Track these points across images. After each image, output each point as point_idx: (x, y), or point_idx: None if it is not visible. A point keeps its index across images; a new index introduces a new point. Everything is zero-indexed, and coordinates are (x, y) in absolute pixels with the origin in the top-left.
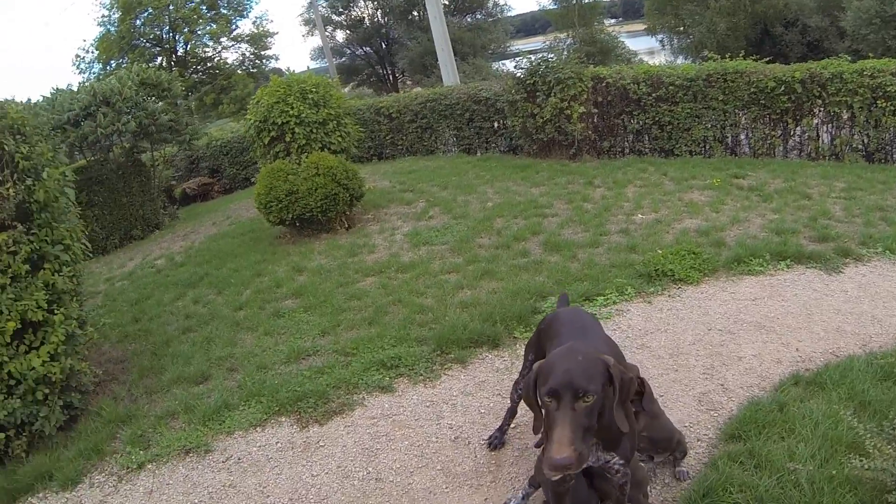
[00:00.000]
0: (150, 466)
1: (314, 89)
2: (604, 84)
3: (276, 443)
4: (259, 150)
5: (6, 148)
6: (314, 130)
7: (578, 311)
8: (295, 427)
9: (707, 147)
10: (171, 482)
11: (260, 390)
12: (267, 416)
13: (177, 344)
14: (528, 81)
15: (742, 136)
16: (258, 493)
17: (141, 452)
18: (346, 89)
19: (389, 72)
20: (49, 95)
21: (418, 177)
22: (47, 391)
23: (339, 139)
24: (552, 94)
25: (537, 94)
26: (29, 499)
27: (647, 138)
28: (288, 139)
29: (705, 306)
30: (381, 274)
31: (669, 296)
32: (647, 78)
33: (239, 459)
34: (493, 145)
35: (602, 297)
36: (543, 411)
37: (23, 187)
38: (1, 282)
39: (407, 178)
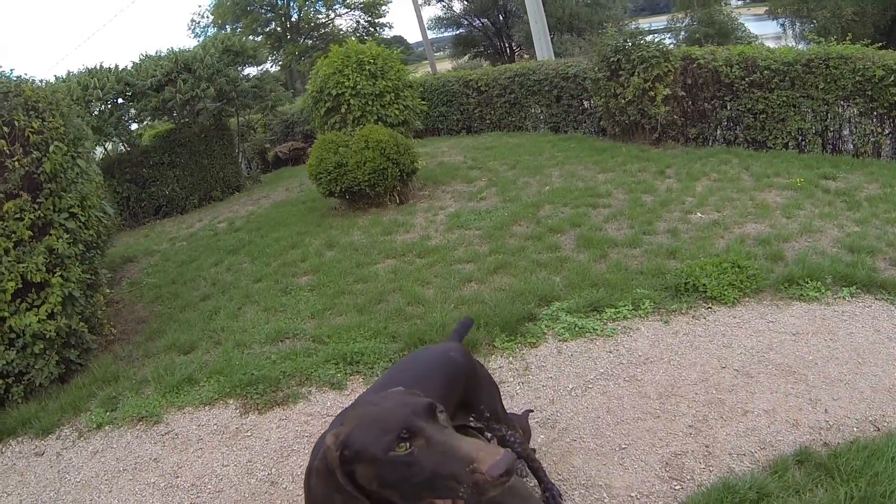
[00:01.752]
0: (106, 428)
1: (372, 60)
2: (694, 65)
3: (214, 425)
4: (316, 120)
5: (17, 123)
6: (370, 102)
7: (436, 354)
8: (237, 411)
9: (804, 141)
10: (114, 446)
11: (222, 369)
12: (218, 396)
13: (190, 310)
14: (611, 59)
15: (846, 132)
16: (171, 472)
17: (105, 414)
18: (462, 60)
19: (506, 45)
20: (137, 61)
21: (493, 154)
22: (44, 346)
23: (397, 112)
24: (635, 74)
25: (621, 72)
26: (10, 441)
27: (738, 127)
28: (343, 110)
29: (730, 336)
30: (401, 257)
31: (693, 316)
32: (741, 60)
33: (176, 435)
34: (583, 125)
35: (612, 310)
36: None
37: (29, 160)
38: (5, 245)
39: (481, 155)
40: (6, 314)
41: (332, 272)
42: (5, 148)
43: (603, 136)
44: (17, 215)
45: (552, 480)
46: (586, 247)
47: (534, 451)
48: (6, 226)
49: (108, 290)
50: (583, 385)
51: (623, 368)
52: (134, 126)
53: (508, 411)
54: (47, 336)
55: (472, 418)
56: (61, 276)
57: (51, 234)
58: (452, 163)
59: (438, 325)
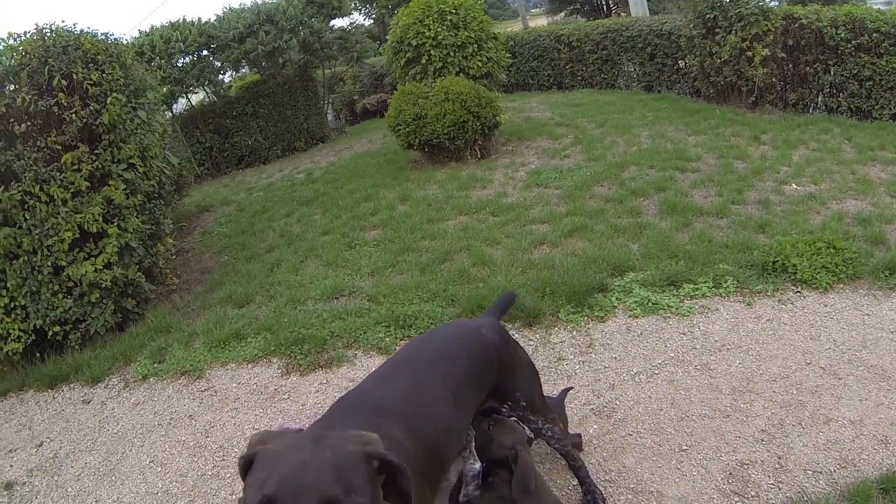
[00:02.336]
0: (151, 380)
1: (454, 10)
2: (796, 25)
3: (254, 384)
4: (397, 71)
5: (75, 76)
6: (451, 53)
7: (465, 331)
8: (279, 371)
9: None
10: (154, 399)
11: (271, 325)
12: (263, 353)
13: (255, 262)
14: (707, 15)
15: None
16: (202, 431)
17: (153, 366)
18: (558, 17)
19: (603, 1)
20: (220, 14)
21: (582, 111)
22: (100, 295)
23: (480, 64)
24: (732, 32)
25: (717, 30)
26: (63, 386)
27: (842, 94)
28: (424, 61)
29: (819, 327)
30: (474, 214)
31: (779, 301)
32: (848, 21)
33: (215, 392)
34: (677, 85)
35: (690, 286)
36: None
37: (87, 111)
38: (62, 196)
39: (569, 112)
40: (64, 263)
41: (400, 227)
42: (63, 100)
43: (697, 97)
44: (75, 166)
45: (595, 482)
46: (669, 213)
47: (579, 439)
48: (64, 177)
49: (171, 241)
50: (649, 370)
51: (696, 354)
52: (225, 78)
53: (549, 394)
54: (103, 285)
55: (506, 406)
56: (118, 226)
57: (109, 185)
58: (539, 119)
59: (501, 290)
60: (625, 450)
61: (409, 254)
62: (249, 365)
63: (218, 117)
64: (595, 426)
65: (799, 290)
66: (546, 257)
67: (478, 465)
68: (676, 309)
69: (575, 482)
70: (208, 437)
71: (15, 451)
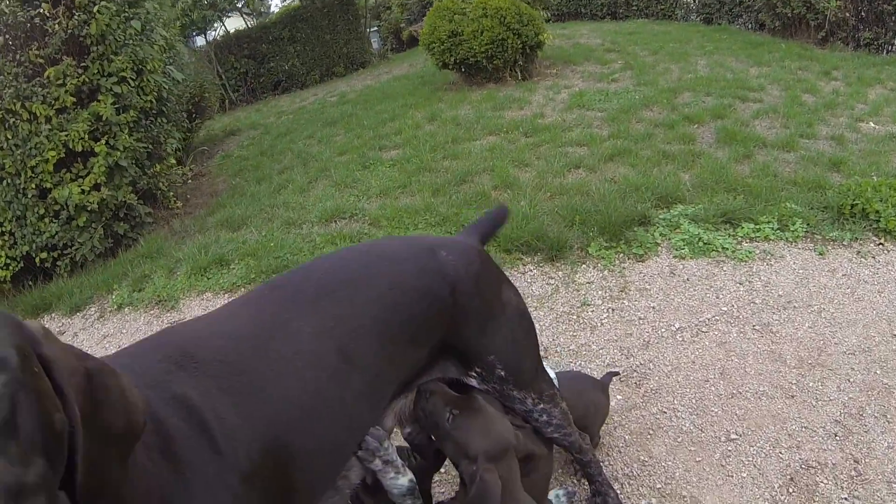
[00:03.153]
0: (126, 310)
1: None
2: None
3: None
4: None
5: None
6: None
7: (408, 249)
8: None
9: None
10: (124, 331)
11: (256, 251)
12: (242, 282)
13: (265, 183)
14: None
15: None
16: None
17: (131, 294)
18: None
19: None
20: None
21: (635, 39)
22: (88, 219)
23: None
24: None
25: None
26: (44, 315)
27: None
28: None
29: None
30: (505, 134)
31: (858, 253)
32: None
33: None
34: (739, 18)
35: (750, 226)
36: None
37: (73, 22)
38: (46, 113)
39: (621, 39)
40: (49, 185)
41: (421, 147)
42: (47, 11)
43: (760, 30)
44: (59, 81)
45: (610, 477)
46: (727, 142)
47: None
48: (48, 92)
49: (173, 161)
50: (694, 326)
51: (754, 311)
52: (269, 2)
53: (568, 366)
54: (90, 208)
55: (473, 374)
56: (107, 144)
57: (98, 101)
58: (588, 45)
59: (523, 216)
60: (654, 433)
61: (424, 174)
62: (226, 294)
63: (253, 42)
64: (619, 396)
65: (882, 241)
66: (580, 182)
67: (404, 480)
68: (733, 252)
69: (582, 477)
70: None
71: None
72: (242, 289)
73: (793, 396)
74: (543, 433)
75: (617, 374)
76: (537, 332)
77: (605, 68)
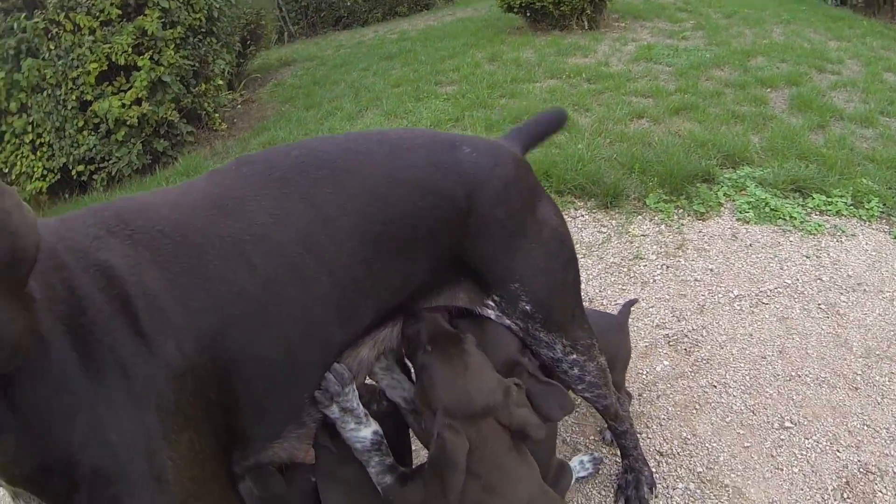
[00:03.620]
0: None
1: None
2: None
3: None
4: None
5: None
6: None
7: (423, 140)
8: None
9: None
10: None
11: None
12: None
13: (313, 110)
14: None
15: None
16: None
17: None
18: None
19: None
20: None
21: (708, 1)
22: (127, 134)
23: None
24: None
25: None
26: None
27: None
28: None
29: None
30: (567, 79)
31: None
32: None
33: None
34: None
35: (821, 197)
36: None
37: None
38: (90, 25)
39: (698, 1)
40: (90, 97)
41: (479, 84)
42: None
43: (842, 4)
44: None
45: (645, 453)
46: (801, 109)
47: (628, 396)
48: (93, 4)
49: (220, 83)
50: (754, 296)
51: (820, 288)
52: None
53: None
54: (130, 123)
55: (490, 303)
56: (151, 59)
57: (144, 15)
58: (659, 2)
59: (579, 159)
60: (700, 408)
61: (478, 110)
62: None
63: None
64: (665, 362)
65: None
66: (643, 131)
67: (366, 432)
68: (801, 222)
69: (612, 450)
70: None
71: None
72: None
73: (857, 389)
74: (573, 389)
75: (636, 301)
76: (583, 280)
77: (675, 26)
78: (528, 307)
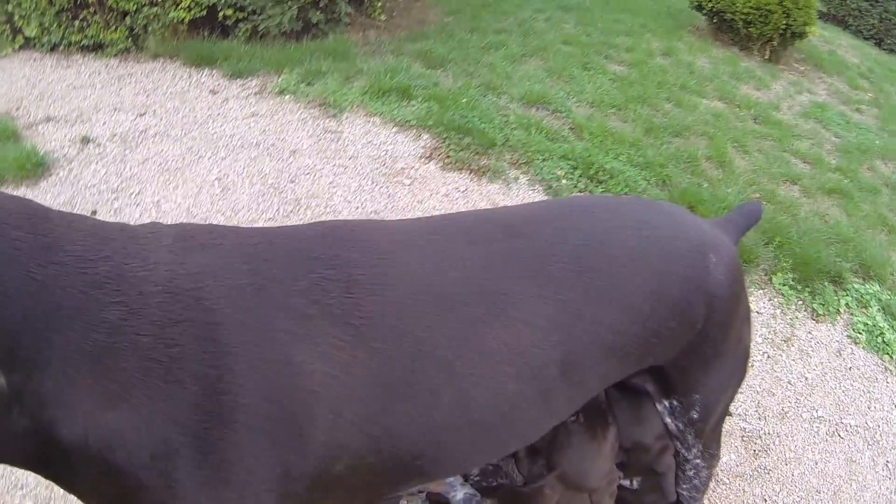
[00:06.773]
0: (287, 97)
1: None
2: None
3: (384, 150)
4: None
5: None
6: None
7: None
8: (421, 150)
9: None
10: (274, 117)
11: (444, 98)
12: (419, 123)
13: (476, 34)
14: None
15: None
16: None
17: (297, 85)
18: None
19: None
20: None
21: (895, 78)
22: None
23: None
24: None
25: None
26: (206, 68)
27: None
28: None
29: None
30: (735, 108)
31: None
32: None
33: (337, 138)
34: None
35: None
36: None
37: None
38: None
39: (879, 70)
40: None
41: (649, 77)
42: None
43: None
44: None
45: None
46: None
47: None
48: None
49: None
50: (834, 424)
51: None
52: None
53: None
54: None
55: (667, 404)
56: None
57: None
58: (844, 59)
59: (725, 207)
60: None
61: (643, 106)
62: (394, 127)
63: None
64: (733, 455)
65: None
66: (792, 200)
67: (460, 495)
68: None
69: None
70: (295, 182)
71: (119, 110)
72: (414, 129)
73: None
74: (677, 485)
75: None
76: None
77: (853, 93)
78: (696, 416)
